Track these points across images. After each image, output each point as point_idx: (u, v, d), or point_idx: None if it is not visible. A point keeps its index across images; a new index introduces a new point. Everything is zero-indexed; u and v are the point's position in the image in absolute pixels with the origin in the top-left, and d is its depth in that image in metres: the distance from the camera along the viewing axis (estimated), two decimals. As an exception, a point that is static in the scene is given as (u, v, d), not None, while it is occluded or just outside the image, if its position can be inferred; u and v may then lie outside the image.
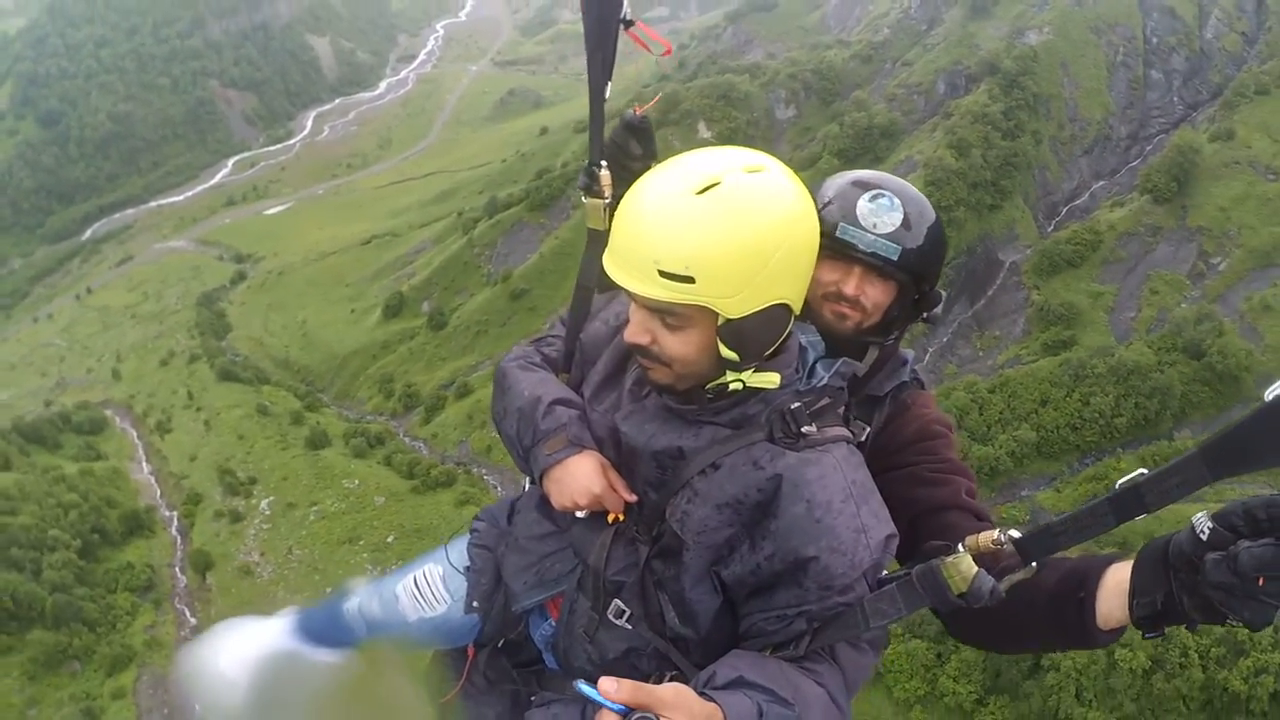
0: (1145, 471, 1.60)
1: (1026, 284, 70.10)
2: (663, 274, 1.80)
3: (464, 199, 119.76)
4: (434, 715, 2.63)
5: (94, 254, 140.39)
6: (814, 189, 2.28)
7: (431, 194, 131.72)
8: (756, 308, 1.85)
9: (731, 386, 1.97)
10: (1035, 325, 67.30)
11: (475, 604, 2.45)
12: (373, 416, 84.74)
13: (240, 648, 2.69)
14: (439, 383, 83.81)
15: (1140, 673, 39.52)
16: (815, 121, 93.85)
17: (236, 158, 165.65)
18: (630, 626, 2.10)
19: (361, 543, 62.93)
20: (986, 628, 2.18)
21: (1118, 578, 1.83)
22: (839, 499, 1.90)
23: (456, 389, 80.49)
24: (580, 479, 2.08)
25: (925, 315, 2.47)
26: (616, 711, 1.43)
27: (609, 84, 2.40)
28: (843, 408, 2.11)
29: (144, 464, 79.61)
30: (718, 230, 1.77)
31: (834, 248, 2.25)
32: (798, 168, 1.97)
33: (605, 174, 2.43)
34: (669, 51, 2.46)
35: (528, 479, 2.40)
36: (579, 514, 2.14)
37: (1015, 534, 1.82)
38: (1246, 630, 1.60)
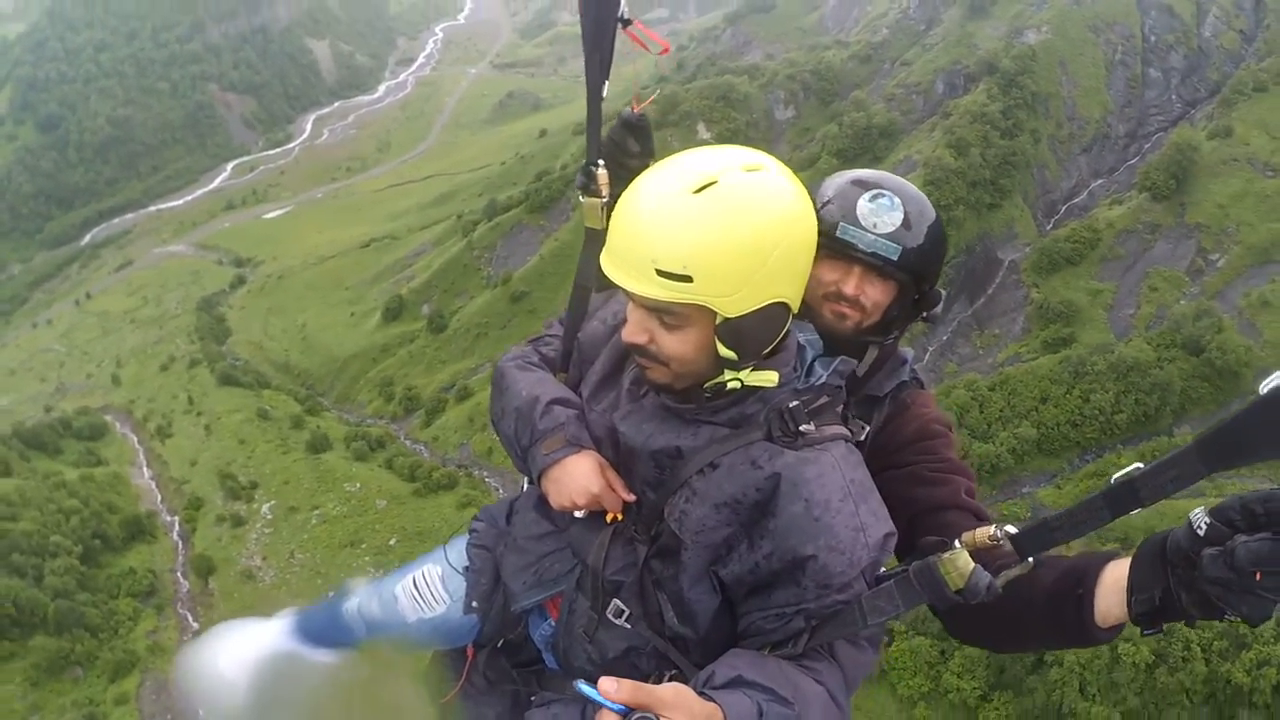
0: (1141, 466, 1.60)
1: (1026, 282, 70.11)
2: (660, 273, 1.79)
3: (463, 201, 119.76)
4: (434, 715, 2.62)
5: (93, 259, 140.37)
6: (813, 188, 2.28)
7: (431, 197, 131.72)
8: (754, 306, 1.85)
9: (729, 385, 1.97)
10: (1035, 323, 67.30)
11: (474, 604, 2.45)
12: (373, 420, 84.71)
13: (239, 649, 2.69)
14: (439, 385, 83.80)
15: (1143, 667, 39.52)
16: (814, 122, 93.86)
17: (236, 162, 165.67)
18: (629, 626, 2.10)
19: (364, 546, 62.92)
20: (985, 627, 2.17)
21: (1116, 575, 1.82)
22: (837, 498, 1.90)
23: (457, 392, 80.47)
24: (578, 479, 2.07)
25: (925, 315, 2.46)
26: (616, 711, 1.43)
27: (606, 83, 2.40)
28: (841, 406, 2.10)
29: (145, 469, 79.60)
30: (715, 229, 1.77)
31: (834, 247, 2.25)
32: (797, 168, 1.96)
33: (602, 173, 2.43)
34: (666, 50, 2.46)
35: (526, 479, 2.39)
36: (577, 514, 2.14)
37: (1011, 530, 1.81)
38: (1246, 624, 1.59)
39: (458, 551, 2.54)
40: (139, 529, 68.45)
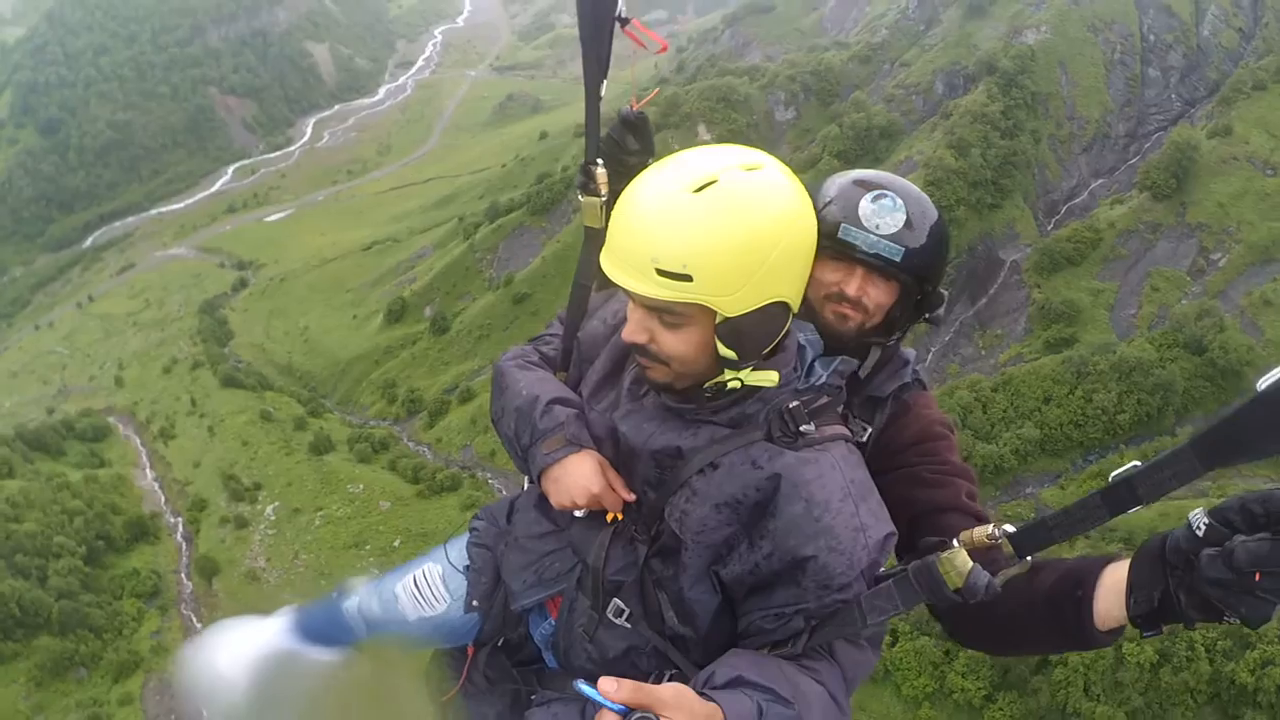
0: (1138, 464, 1.59)
1: (1027, 282, 69.99)
2: (660, 272, 1.79)
3: (464, 204, 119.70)
4: (434, 714, 2.62)
5: (95, 262, 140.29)
6: (815, 189, 2.26)
7: (432, 199, 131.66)
8: (755, 306, 1.85)
9: (730, 385, 1.97)
10: (1037, 323, 67.17)
11: (475, 603, 2.45)
12: (376, 422, 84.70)
13: (239, 647, 2.69)
14: (442, 387, 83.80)
15: (1148, 666, 39.57)
16: (815, 123, 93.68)
17: (236, 165, 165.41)
18: (629, 625, 2.10)
19: (368, 547, 62.94)
20: (986, 630, 2.17)
21: (1115, 577, 1.82)
22: (837, 498, 1.90)
23: (460, 393, 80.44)
24: (579, 478, 2.07)
25: (928, 316, 2.44)
26: (616, 711, 1.43)
27: (604, 81, 2.40)
28: (841, 406, 2.10)
29: (147, 471, 79.69)
30: (715, 228, 1.77)
31: (836, 248, 2.23)
32: (798, 169, 1.96)
33: (601, 171, 2.43)
34: (665, 49, 2.46)
35: (527, 478, 2.39)
36: (577, 513, 2.13)
37: (1010, 529, 1.81)
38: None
39: (458, 550, 2.54)
40: (143, 530, 68.56)
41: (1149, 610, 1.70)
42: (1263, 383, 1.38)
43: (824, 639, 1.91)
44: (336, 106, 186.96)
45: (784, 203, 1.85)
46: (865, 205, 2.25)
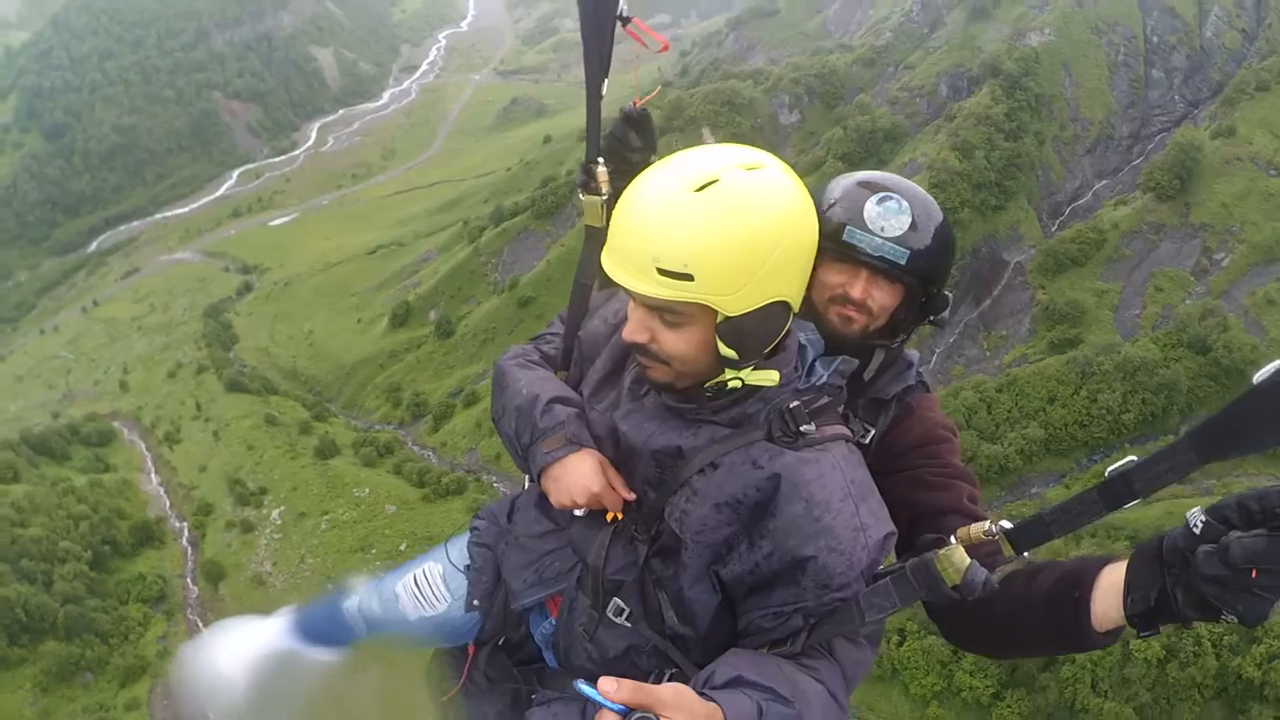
0: (1135, 459, 1.59)
1: (1032, 283, 69.92)
2: (661, 271, 1.79)
3: (469, 208, 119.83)
4: (434, 713, 2.63)
5: (100, 266, 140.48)
6: (819, 190, 2.26)
7: (437, 203, 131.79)
8: (756, 305, 1.85)
9: (730, 385, 1.96)
10: (1041, 324, 67.09)
11: (476, 602, 2.45)
12: (381, 425, 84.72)
13: (239, 647, 2.70)
14: (447, 391, 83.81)
15: (1155, 662, 39.69)
16: (819, 126, 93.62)
17: (241, 169, 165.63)
18: (630, 625, 2.10)
19: (374, 551, 62.92)
20: (985, 633, 2.17)
21: (1113, 578, 1.81)
22: (838, 498, 1.90)
23: (464, 397, 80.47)
24: (579, 477, 2.07)
25: (933, 318, 2.43)
26: (616, 711, 1.43)
27: (606, 81, 2.40)
28: (842, 406, 2.10)
29: (153, 475, 79.78)
30: (716, 227, 1.77)
31: (841, 250, 2.22)
32: (802, 172, 1.96)
33: (602, 171, 2.42)
34: (666, 48, 2.46)
35: (528, 477, 2.39)
36: (578, 512, 2.13)
37: (1007, 525, 1.80)
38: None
39: (459, 549, 2.54)
40: (148, 535, 68.62)
41: (1146, 609, 1.70)
42: (1258, 376, 1.38)
43: (823, 637, 1.90)
44: (341, 111, 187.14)
45: (785, 202, 1.85)
46: (870, 207, 2.23)
